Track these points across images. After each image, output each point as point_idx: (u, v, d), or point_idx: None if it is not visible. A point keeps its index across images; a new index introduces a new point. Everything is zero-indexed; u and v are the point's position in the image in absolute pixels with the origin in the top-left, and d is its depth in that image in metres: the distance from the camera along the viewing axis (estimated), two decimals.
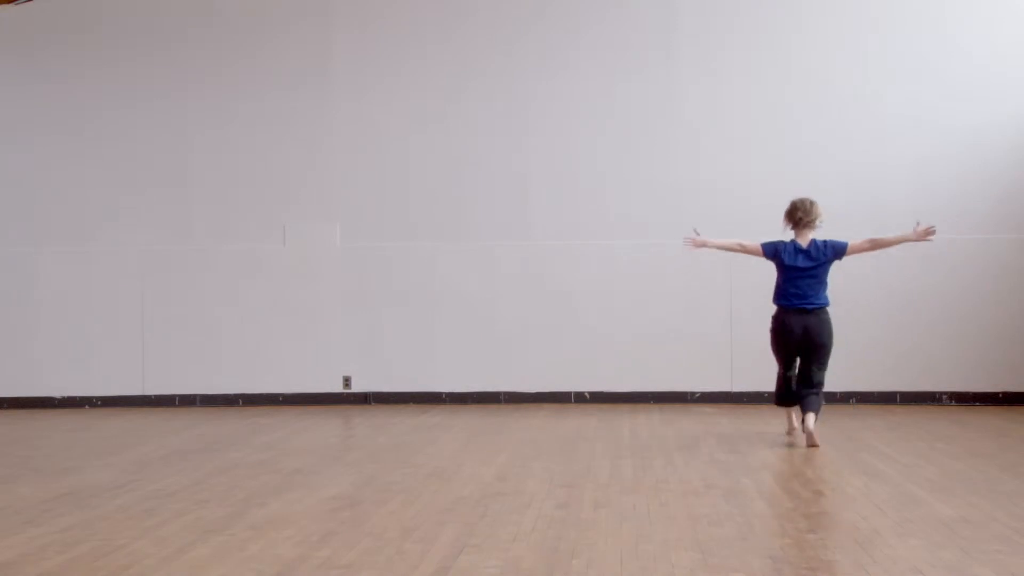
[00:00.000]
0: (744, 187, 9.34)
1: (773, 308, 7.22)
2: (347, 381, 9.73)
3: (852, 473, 5.90)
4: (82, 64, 10.04)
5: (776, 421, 8.15)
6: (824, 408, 8.67)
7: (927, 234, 6.96)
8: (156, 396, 9.85)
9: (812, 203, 7.09)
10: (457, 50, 9.74)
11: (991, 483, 5.55)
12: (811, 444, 6.87)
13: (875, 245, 7.16)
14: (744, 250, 7.37)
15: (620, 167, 9.55)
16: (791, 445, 7.05)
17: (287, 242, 9.85)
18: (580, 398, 9.47)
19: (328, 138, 9.83)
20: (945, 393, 9.16)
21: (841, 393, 9.21)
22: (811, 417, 6.93)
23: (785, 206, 7.18)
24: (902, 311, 9.21)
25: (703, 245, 7.49)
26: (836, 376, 9.11)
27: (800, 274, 7.05)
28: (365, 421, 8.62)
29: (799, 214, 7.07)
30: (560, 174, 9.62)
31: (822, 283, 7.11)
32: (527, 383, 9.56)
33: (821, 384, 7.08)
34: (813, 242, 7.07)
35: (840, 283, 9.06)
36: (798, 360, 7.18)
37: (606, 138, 9.58)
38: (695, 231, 7.52)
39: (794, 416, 7.39)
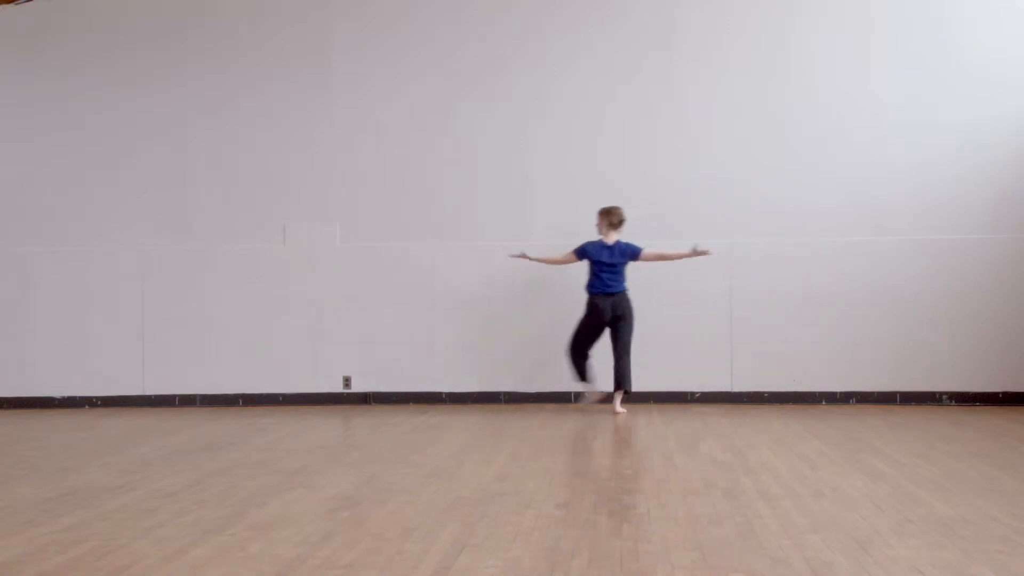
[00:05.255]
0: (744, 187, 9.35)
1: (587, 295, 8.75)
2: (347, 381, 9.73)
3: (852, 473, 5.90)
4: (82, 64, 10.05)
5: (778, 422, 8.18)
6: (823, 408, 8.84)
7: (701, 254, 8.53)
8: (156, 396, 9.85)
9: (622, 210, 8.72)
10: (457, 50, 9.74)
11: (991, 483, 5.55)
12: (616, 412, 8.71)
13: (661, 258, 8.73)
14: (557, 262, 8.89)
15: (620, 167, 9.54)
16: (585, 404, 9.15)
17: (287, 242, 9.85)
18: (580, 398, 9.46)
19: (328, 138, 9.83)
20: (945, 393, 9.16)
21: (841, 393, 9.22)
22: (620, 395, 8.73)
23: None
24: (902, 311, 9.21)
25: (524, 258, 8.86)
26: (836, 376, 9.19)
27: (605, 268, 8.64)
28: (365, 421, 8.62)
29: (613, 218, 8.68)
30: (560, 174, 9.62)
31: (621, 275, 8.70)
32: (527, 383, 9.56)
33: (629, 351, 8.69)
34: (617, 243, 8.70)
35: (840, 283, 9.17)
36: (597, 341, 8.83)
37: (606, 138, 9.58)
38: (522, 252, 8.90)
39: (586, 389, 9.00)
